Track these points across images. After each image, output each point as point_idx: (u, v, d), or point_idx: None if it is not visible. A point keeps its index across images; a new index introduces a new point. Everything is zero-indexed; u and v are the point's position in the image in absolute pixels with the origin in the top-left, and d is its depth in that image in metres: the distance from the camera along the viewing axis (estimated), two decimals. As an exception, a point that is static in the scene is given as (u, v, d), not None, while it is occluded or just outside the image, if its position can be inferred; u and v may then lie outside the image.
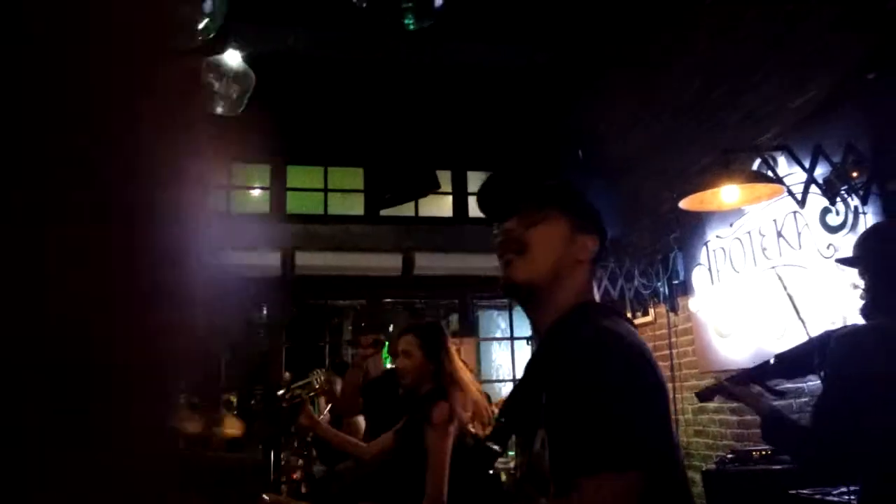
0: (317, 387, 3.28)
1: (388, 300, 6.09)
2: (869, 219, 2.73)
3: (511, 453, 2.67)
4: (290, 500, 2.70)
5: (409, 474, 2.13)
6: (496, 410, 2.58)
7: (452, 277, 5.54)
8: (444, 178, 5.50)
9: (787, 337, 2.93)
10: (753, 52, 3.49)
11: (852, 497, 2.04)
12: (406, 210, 5.56)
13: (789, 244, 3.19)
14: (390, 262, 5.58)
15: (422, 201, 5.58)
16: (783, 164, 3.17)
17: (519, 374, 3.64)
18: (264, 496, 2.08)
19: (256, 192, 5.91)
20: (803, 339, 2.01)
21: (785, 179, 3.06)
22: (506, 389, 6.24)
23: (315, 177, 5.75)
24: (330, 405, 3.84)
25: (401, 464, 2.21)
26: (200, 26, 2.36)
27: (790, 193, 3.03)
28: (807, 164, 2.97)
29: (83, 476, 0.28)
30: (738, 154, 3.19)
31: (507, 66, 4.85)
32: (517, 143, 5.45)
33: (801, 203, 3.01)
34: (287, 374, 5.68)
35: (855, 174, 2.81)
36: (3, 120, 0.26)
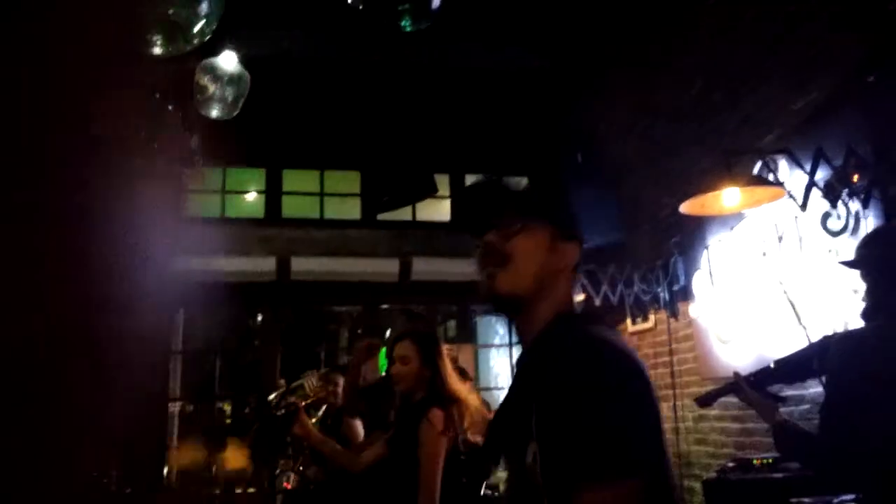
0: (310, 393, 3.23)
1: (386, 306, 6.05)
2: (870, 222, 2.71)
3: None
4: None
5: (401, 482, 2.12)
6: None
7: (450, 283, 5.50)
8: (442, 182, 5.46)
9: (788, 343, 2.91)
10: (754, 54, 3.47)
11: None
12: (403, 214, 5.53)
13: (790, 248, 3.16)
14: (387, 268, 5.54)
15: (419, 205, 5.55)
16: (784, 168, 3.15)
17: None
18: None
19: (251, 197, 5.87)
20: (804, 344, 2.00)
21: (786, 183, 3.03)
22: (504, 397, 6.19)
23: (311, 181, 5.72)
24: (325, 407, 3.81)
25: (393, 471, 2.18)
26: (195, 29, 2.32)
27: (791, 197, 3.00)
28: (808, 168, 2.95)
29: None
30: (739, 157, 3.17)
31: (506, 67, 4.83)
32: (516, 146, 5.43)
33: (803, 207, 2.99)
34: (282, 381, 5.63)
35: (856, 177, 2.79)
36: None
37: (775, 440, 1.85)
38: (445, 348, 2.38)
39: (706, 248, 3.83)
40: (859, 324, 1.82)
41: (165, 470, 5.28)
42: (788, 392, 2.82)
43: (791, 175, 3.09)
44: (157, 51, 2.21)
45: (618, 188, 4.63)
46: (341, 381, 3.69)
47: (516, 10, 4.15)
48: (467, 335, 6.13)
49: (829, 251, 2.89)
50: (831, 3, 2.98)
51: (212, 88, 3.07)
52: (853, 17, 2.86)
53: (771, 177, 3.12)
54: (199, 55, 2.86)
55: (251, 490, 5.09)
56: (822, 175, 2.92)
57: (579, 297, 4.08)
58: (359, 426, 3.28)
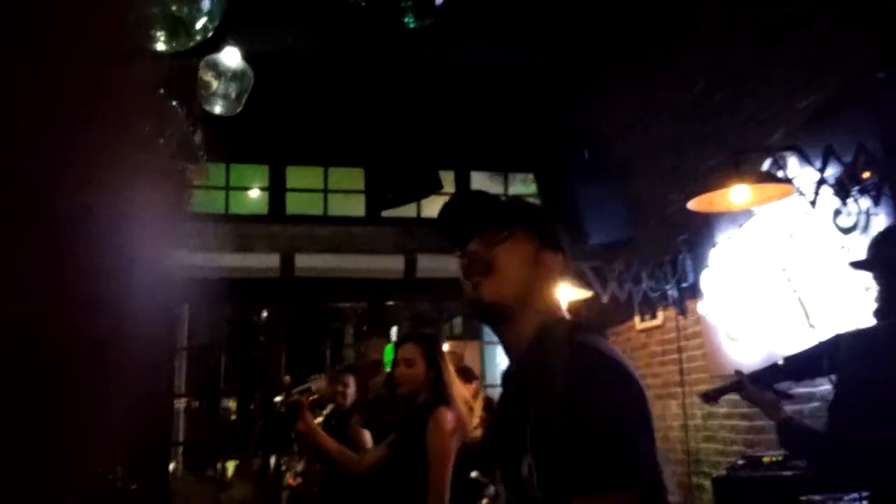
0: (315, 393, 3.22)
1: (390, 303, 6.04)
2: (881, 219, 2.68)
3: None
4: None
5: (406, 483, 2.11)
6: None
7: (455, 280, 5.46)
8: (447, 179, 5.43)
9: (797, 340, 2.88)
10: (756, 53, 3.45)
11: (864, 502, 2.01)
12: (408, 211, 5.50)
13: (800, 246, 3.13)
14: (392, 265, 5.52)
15: (424, 202, 5.51)
16: (793, 165, 3.12)
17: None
18: None
19: (255, 193, 5.85)
20: (813, 342, 2.00)
21: (795, 180, 3.00)
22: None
23: (315, 177, 5.69)
24: (331, 407, 3.80)
25: (398, 473, 2.18)
26: (198, 25, 2.30)
27: (801, 194, 2.98)
28: (817, 165, 2.92)
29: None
30: (748, 154, 3.13)
31: (510, 65, 4.80)
32: (521, 143, 5.40)
33: (813, 204, 2.96)
34: (287, 378, 5.63)
35: (866, 174, 2.76)
36: None
37: (780, 437, 1.86)
38: (451, 346, 2.37)
39: (714, 245, 3.80)
40: (871, 322, 1.80)
41: (172, 466, 5.29)
42: (798, 390, 2.80)
43: (801, 172, 3.06)
44: (161, 47, 2.20)
45: (625, 185, 4.60)
46: (350, 380, 3.67)
47: (520, 7, 4.12)
48: (473, 332, 6.12)
49: (840, 248, 2.86)
50: (838, 1, 2.95)
51: (215, 85, 3.05)
52: (860, 15, 2.83)
53: (780, 174, 3.09)
54: (203, 51, 2.84)
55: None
56: (831, 172, 2.89)
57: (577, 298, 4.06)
58: (367, 435, 3.26)
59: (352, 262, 5.46)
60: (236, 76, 3.05)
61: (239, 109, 3.04)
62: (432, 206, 5.71)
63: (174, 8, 2.18)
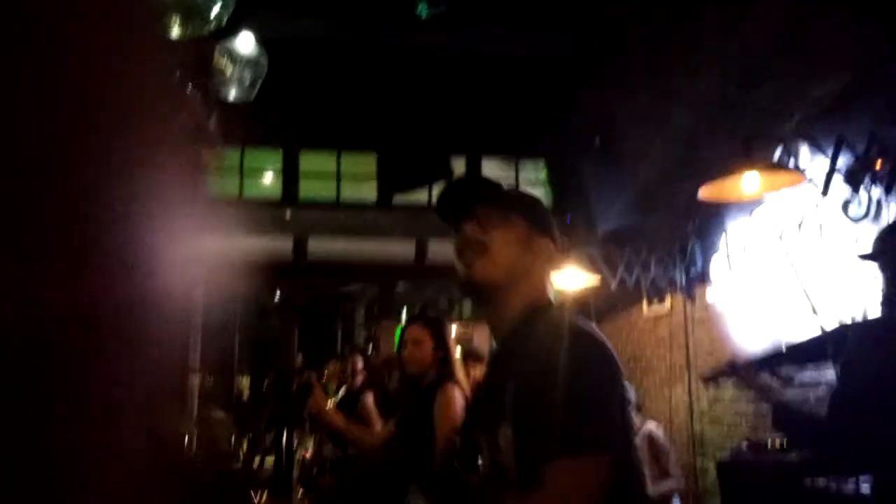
0: (326, 374, 3.31)
1: (401, 287, 6.10)
2: (892, 209, 2.67)
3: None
4: None
5: (415, 457, 2.14)
6: None
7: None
8: (459, 165, 5.45)
9: (805, 327, 2.90)
10: (772, 43, 3.42)
11: (862, 486, 2.04)
12: (419, 197, 5.54)
13: (810, 235, 3.13)
14: (403, 249, 5.57)
15: (435, 188, 5.55)
16: (805, 154, 3.12)
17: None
18: None
19: (269, 178, 5.90)
20: (817, 331, 2.01)
21: (807, 169, 3.00)
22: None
23: (328, 163, 5.73)
24: (344, 387, 3.89)
25: (407, 447, 2.22)
26: (213, 11, 2.33)
27: (812, 183, 2.97)
28: (829, 154, 2.91)
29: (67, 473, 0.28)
30: (759, 143, 3.13)
31: (523, 52, 4.79)
32: (532, 130, 5.39)
33: (824, 193, 2.96)
34: (300, 358, 5.73)
35: (878, 164, 2.76)
36: None
37: (774, 420, 1.88)
38: (461, 328, 2.41)
39: (724, 232, 3.81)
40: (879, 313, 1.82)
41: (186, 440, 5.39)
42: (806, 376, 2.83)
43: (812, 161, 3.05)
44: (176, 33, 2.23)
45: (635, 172, 4.60)
46: (358, 361, 3.75)
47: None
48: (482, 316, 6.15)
49: (850, 238, 2.87)
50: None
51: (230, 71, 3.08)
52: (873, 7, 2.80)
53: (791, 162, 3.08)
54: (218, 37, 2.87)
55: (269, 458, 5.20)
56: (843, 161, 2.88)
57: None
58: (372, 404, 3.34)
59: (363, 246, 5.52)
60: (251, 62, 3.07)
61: (253, 95, 3.07)
62: (443, 192, 5.73)
63: (190, -5, 2.20)
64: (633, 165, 4.63)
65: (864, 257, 1.89)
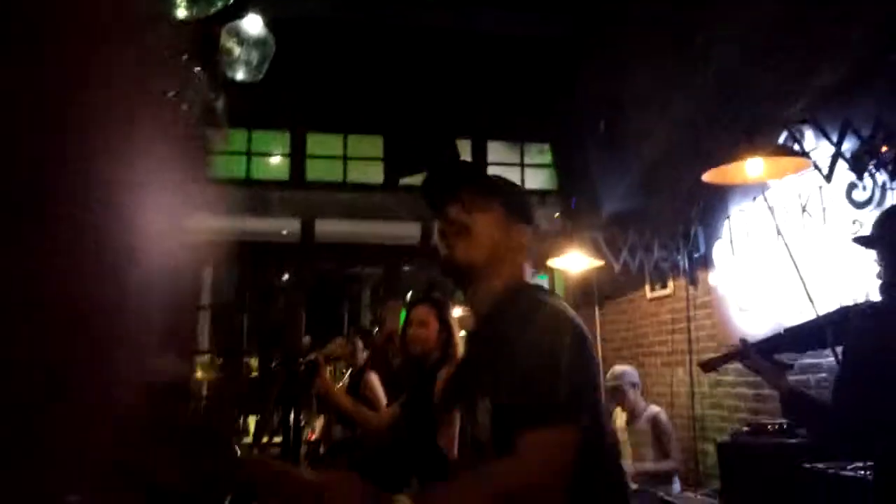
0: (331, 354, 3.35)
1: (407, 268, 6.13)
2: (897, 194, 2.67)
3: None
4: (270, 461, 2.76)
5: (419, 436, 2.17)
6: None
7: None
8: (464, 148, 5.46)
9: (807, 312, 2.91)
10: (777, 29, 3.39)
11: (867, 472, 2.05)
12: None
13: (814, 219, 3.14)
14: (409, 231, 5.60)
15: (441, 170, 5.56)
16: (810, 138, 3.11)
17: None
18: (239, 455, 2.13)
19: (276, 159, 5.92)
20: (815, 314, 2.01)
21: (811, 153, 2.99)
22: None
23: (335, 144, 5.75)
24: (350, 369, 3.94)
25: (412, 427, 2.25)
26: (220, -8, 2.34)
27: (816, 167, 2.97)
28: (834, 138, 2.90)
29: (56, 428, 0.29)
30: (764, 127, 3.12)
31: (529, 35, 4.77)
32: (538, 113, 5.38)
33: (828, 178, 2.95)
34: (307, 339, 5.79)
35: (884, 149, 2.75)
36: None
37: (783, 407, 1.88)
38: (465, 310, 2.44)
39: (727, 217, 3.81)
40: (878, 297, 1.80)
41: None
42: (805, 360, 2.84)
43: (816, 146, 3.04)
44: (182, 14, 2.25)
45: (639, 156, 4.59)
46: (358, 341, 3.81)
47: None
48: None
49: (854, 223, 2.87)
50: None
51: (237, 52, 3.09)
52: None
53: (796, 147, 3.08)
54: (225, 18, 2.88)
55: (277, 439, 5.28)
56: (848, 146, 2.87)
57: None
58: (377, 382, 3.38)
59: (370, 228, 5.55)
60: (258, 43, 3.08)
61: (261, 76, 3.08)
62: (449, 174, 5.74)
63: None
64: (637, 149, 4.62)
65: (860, 241, 1.88)
